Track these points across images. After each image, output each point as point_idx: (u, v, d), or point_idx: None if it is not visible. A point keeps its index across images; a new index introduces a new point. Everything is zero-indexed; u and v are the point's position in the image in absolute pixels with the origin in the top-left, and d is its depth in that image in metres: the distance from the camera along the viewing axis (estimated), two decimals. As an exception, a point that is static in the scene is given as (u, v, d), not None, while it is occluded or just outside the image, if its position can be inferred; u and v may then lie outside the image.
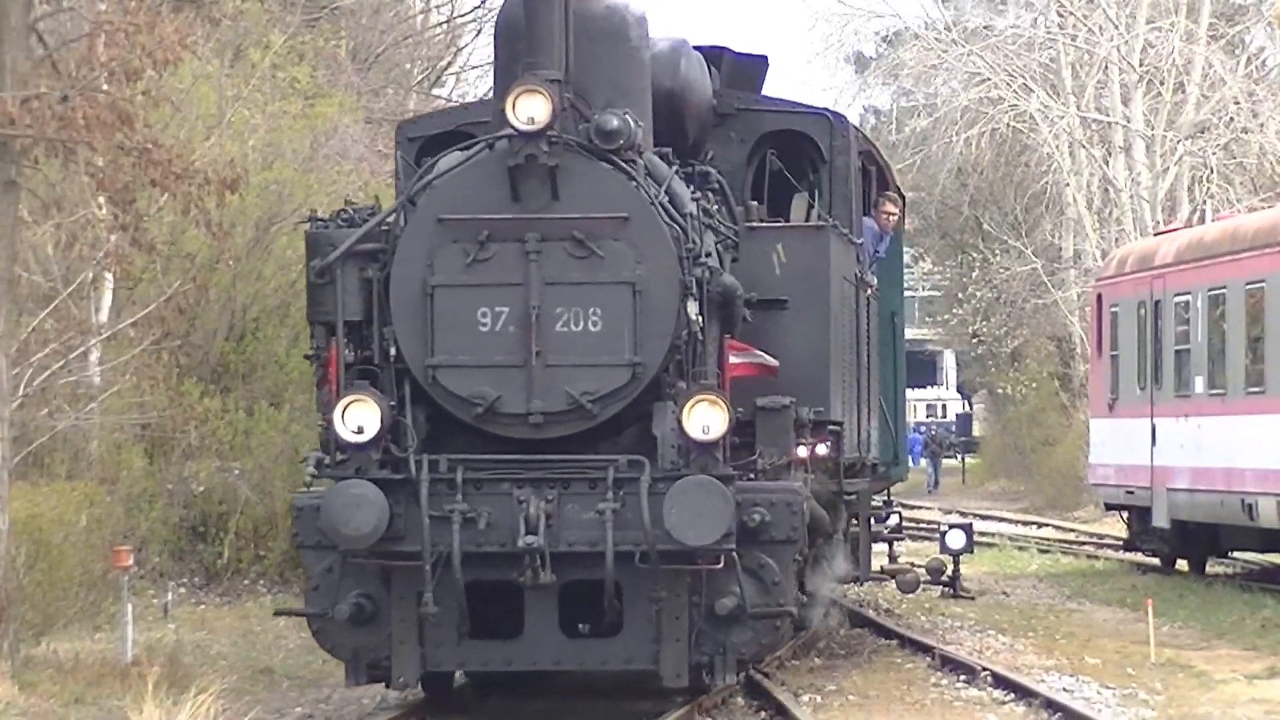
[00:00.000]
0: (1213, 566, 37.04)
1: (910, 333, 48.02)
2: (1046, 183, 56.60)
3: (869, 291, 24.77)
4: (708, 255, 17.87)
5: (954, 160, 57.18)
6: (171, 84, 29.32)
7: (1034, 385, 61.05)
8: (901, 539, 33.15)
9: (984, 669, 23.71)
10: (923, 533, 43.52)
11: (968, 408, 64.89)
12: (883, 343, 27.32)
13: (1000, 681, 22.85)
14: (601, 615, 17.63)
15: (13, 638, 21.11)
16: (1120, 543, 41.07)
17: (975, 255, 61.37)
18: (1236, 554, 36.24)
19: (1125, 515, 39.55)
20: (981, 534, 41.10)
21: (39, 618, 23.01)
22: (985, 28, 59.77)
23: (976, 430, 67.59)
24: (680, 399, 17.23)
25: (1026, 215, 59.05)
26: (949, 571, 33.61)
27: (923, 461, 56.86)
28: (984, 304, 60.85)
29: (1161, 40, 53.95)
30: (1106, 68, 55.21)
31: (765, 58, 25.88)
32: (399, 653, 17.29)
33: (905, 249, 39.49)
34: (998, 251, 59.69)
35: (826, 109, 24.00)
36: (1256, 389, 31.54)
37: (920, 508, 50.61)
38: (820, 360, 19.81)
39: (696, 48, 23.73)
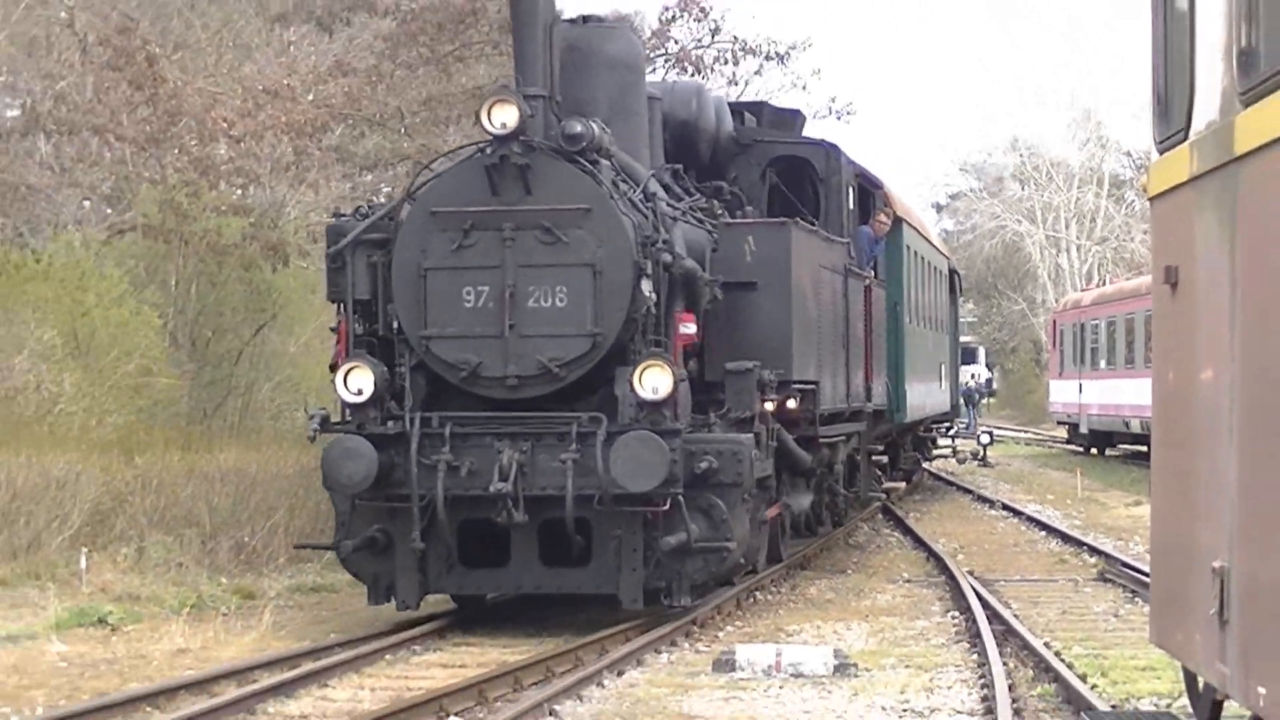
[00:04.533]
0: (1109, 453, 55.02)
1: (964, 339, 69.40)
2: (1030, 265, 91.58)
3: (867, 281, 26.57)
4: (665, 243, 18.28)
5: (985, 253, 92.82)
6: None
7: (1022, 364, 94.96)
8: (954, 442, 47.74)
9: (998, 500, 37.47)
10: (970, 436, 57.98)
11: (991, 375, 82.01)
12: (887, 323, 29.75)
13: (1005, 507, 35.87)
14: (581, 548, 18.14)
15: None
16: (1064, 440, 63.45)
17: (995, 301, 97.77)
18: (1121, 446, 53.33)
19: (1066, 427, 62.55)
20: (997, 436, 60.28)
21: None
22: (996, 181, 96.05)
23: (996, 386, 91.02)
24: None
25: (1020, 281, 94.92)
26: (982, 454, 52.40)
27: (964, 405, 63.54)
28: (998, 325, 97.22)
29: (1084, 198, 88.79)
30: (1058, 213, 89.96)
31: (798, 111, 29.74)
32: (401, 579, 18.08)
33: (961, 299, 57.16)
34: (1005, 298, 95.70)
35: (824, 140, 26.13)
36: (1128, 365, 48.56)
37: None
38: (783, 331, 20.18)
39: (743, 103, 28.88)
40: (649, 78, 24.25)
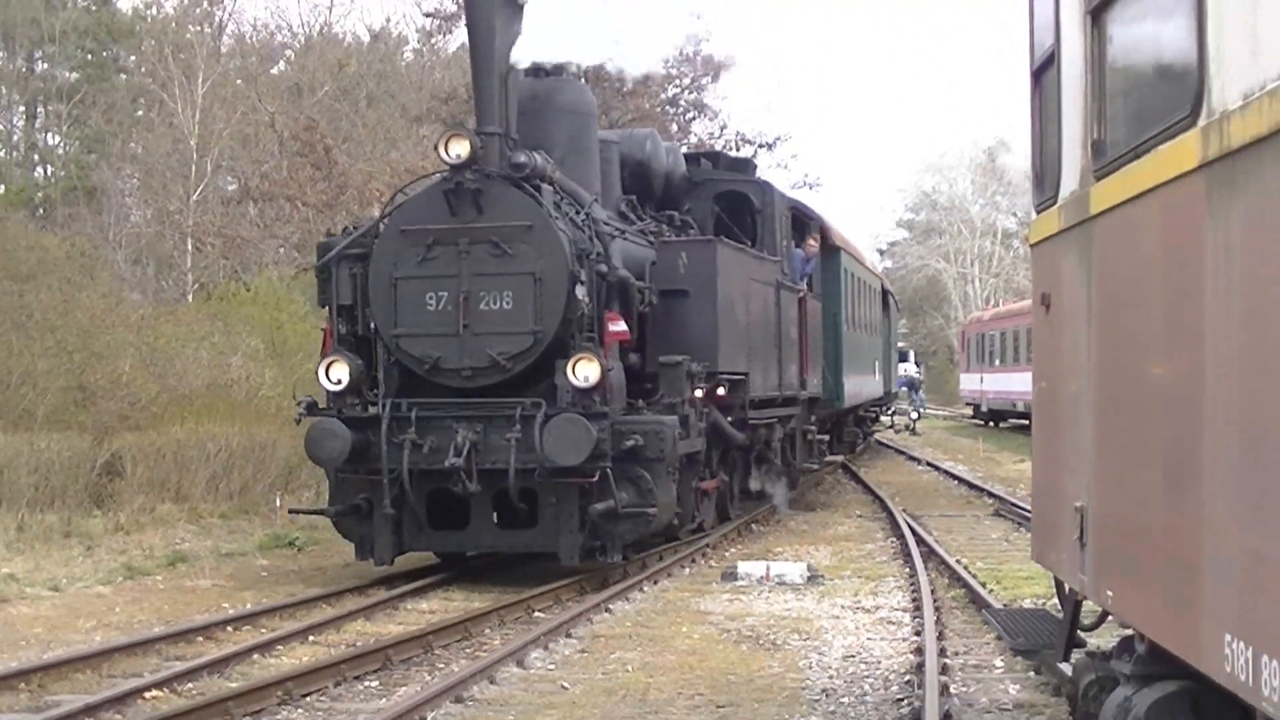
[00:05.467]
0: (1001, 425, 54.03)
1: (902, 344, 68.83)
2: (945, 293, 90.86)
3: (801, 293, 24.08)
4: (599, 255, 16.48)
5: (913, 284, 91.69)
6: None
7: (940, 362, 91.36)
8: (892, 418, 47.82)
9: (923, 459, 37.94)
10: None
11: (920, 370, 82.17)
12: (825, 328, 27.45)
13: (929, 464, 36.31)
14: (527, 514, 16.33)
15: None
16: (971, 416, 62.15)
17: (920, 317, 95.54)
18: (1010, 420, 52.29)
19: (972, 407, 61.14)
20: (923, 413, 61.63)
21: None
22: (923, 233, 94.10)
23: (923, 378, 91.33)
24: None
25: (939, 304, 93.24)
26: (912, 426, 53.70)
27: (903, 390, 62.23)
28: (923, 335, 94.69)
29: (984, 245, 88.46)
30: (966, 255, 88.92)
31: (749, 160, 29.35)
32: (378, 540, 16.30)
33: (899, 316, 58.45)
34: (929, 315, 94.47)
35: (759, 179, 23.98)
36: (1015, 363, 47.87)
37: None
38: (710, 330, 18.31)
39: (701, 153, 26.04)
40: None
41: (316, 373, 16.91)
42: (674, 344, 17.74)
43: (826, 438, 28.65)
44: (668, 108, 40.83)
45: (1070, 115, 7.07)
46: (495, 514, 16.57)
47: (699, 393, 17.67)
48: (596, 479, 15.72)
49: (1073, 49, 7.02)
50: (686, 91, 42.97)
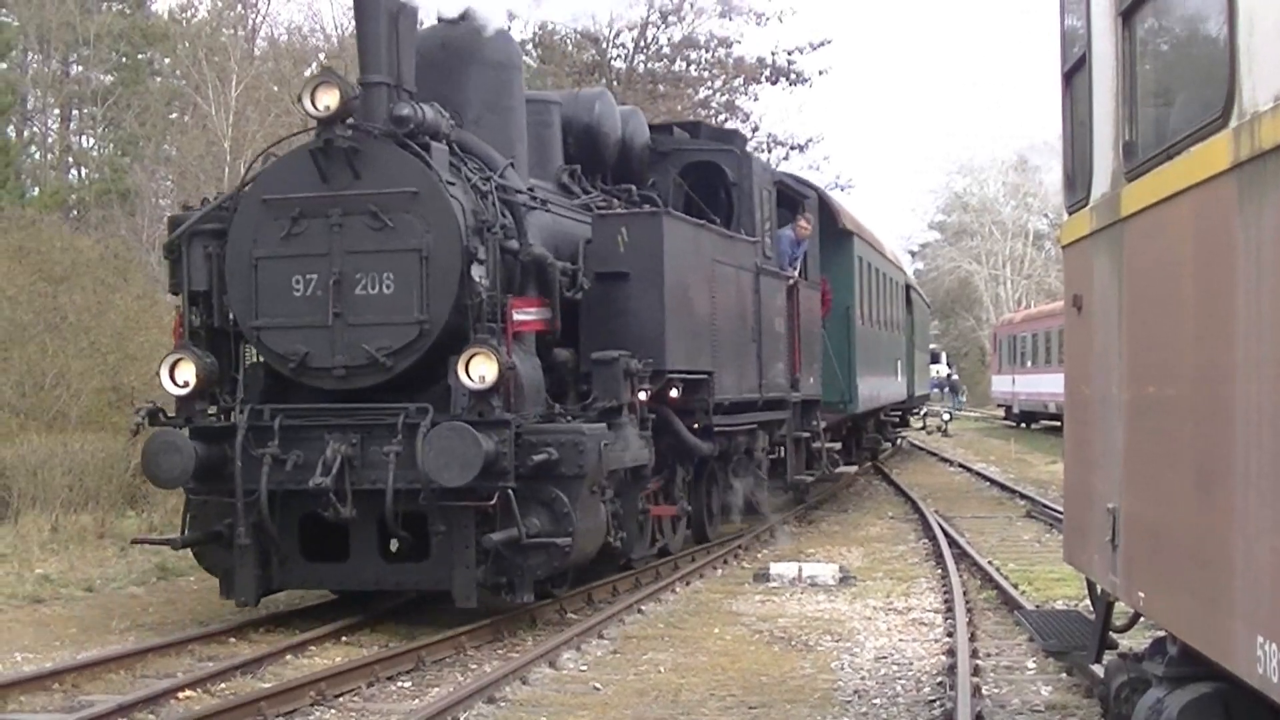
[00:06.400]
0: (1033, 427, 53.93)
1: (933, 346, 69.31)
2: (977, 295, 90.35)
3: (791, 280, 20.94)
4: (505, 228, 13.70)
5: (945, 286, 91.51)
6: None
7: (972, 364, 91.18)
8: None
9: (955, 460, 37.98)
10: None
11: (952, 370, 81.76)
12: (834, 323, 24.77)
13: (961, 465, 36.12)
14: (413, 545, 13.59)
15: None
16: (1002, 418, 61.74)
17: (952, 319, 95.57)
18: (1042, 421, 51.96)
19: (1004, 408, 61.19)
20: (954, 414, 62.70)
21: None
22: (954, 235, 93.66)
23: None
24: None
25: (970, 305, 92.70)
26: (944, 427, 53.61)
27: (935, 392, 61.38)
28: (955, 336, 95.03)
29: (1016, 246, 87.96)
30: (998, 257, 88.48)
31: (736, 132, 24.46)
32: (238, 574, 13.51)
33: (932, 318, 62.68)
34: (960, 317, 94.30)
35: (735, 148, 19.98)
36: (1047, 364, 47.64)
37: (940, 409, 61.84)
38: (655, 320, 15.22)
39: (677, 123, 21.98)
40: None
41: (159, 373, 14.02)
42: (614, 337, 14.99)
43: (837, 445, 24.99)
44: (699, 110, 40.81)
45: (1101, 117, 7.08)
46: (393, 542, 14.10)
47: (643, 395, 14.85)
48: (494, 502, 12.81)
49: (1104, 51, 7.03)
50: (717, 94, 42.95)
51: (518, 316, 13.51)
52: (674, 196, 18.75)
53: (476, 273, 13.23)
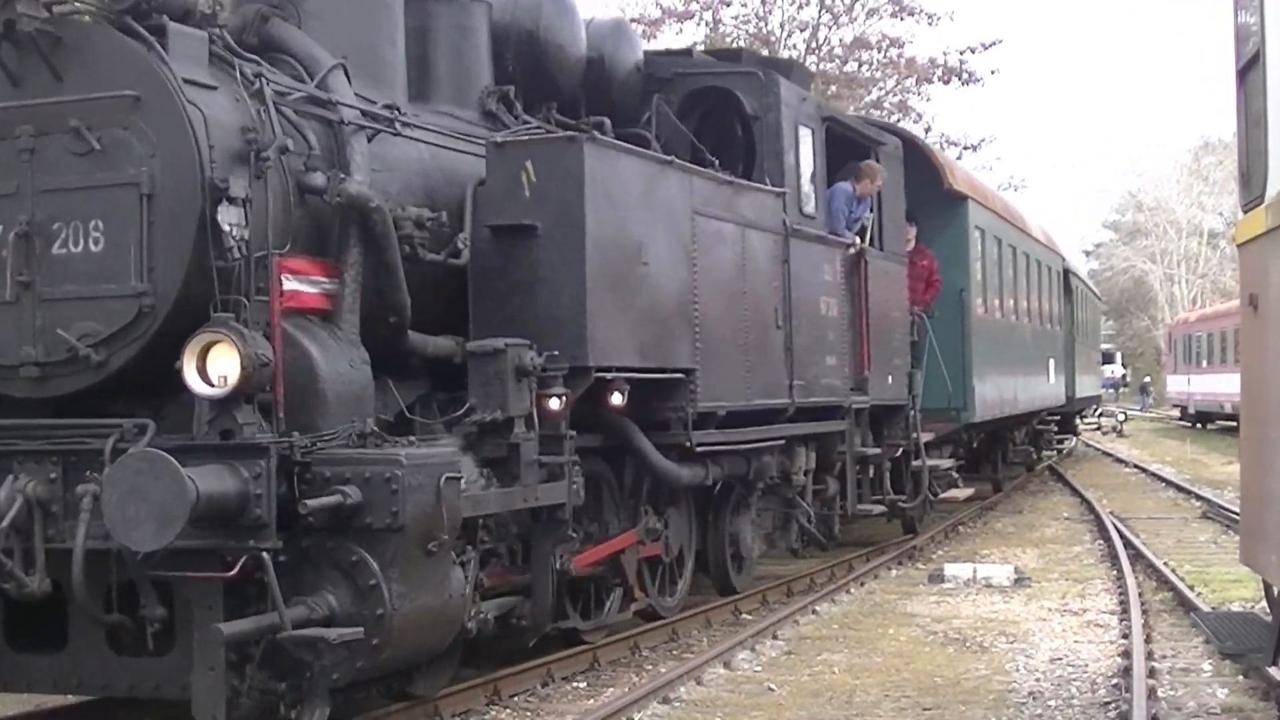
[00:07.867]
0: (1209, 427, 53.52)
1: (1104, 345, 67.47)
2: (1151, 294, 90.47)
3: (852, 248, 15.61)
4: (309, 157, 9.02)
5: (1119, 285, 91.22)
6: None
7: (1147, 364, 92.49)
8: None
9: (1130, 461, 37.64)
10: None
11: (1125, 371, 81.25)
12: (941, 309, 19.69)
13: (1136, 466, 35.92)
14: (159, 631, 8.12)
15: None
16: (1178, 418, 61.29)
17: (1127, 319, 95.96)
18: (1218, 422, 51.36)
19: (1179, 409, 60.97)
20: (1129, 416, 61.47)
21: None
22: (1129, 234, 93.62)
23: (1129, 379, 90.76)
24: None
25: (1144, 305, 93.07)
26: (1119, 428, 53.91)
27: (1108, 392, 62.03)
28: (1129, 336, 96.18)
29: (1190, 245, 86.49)
30: (1172, 256, 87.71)
31: (740, 50, 19.45)
32: None
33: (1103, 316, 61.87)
34: (1135, 317, 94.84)
35: (758, 69, 14.55)
36: (1223, 364, 47.31)
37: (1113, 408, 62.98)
38: (575, 297, 10.16)
39: (669, 51, 16.44)
40: None
41: None
42: (514, 317, 10.21)
43: (948, 463, 20.20)
44: (872, 110, 40.62)
45: (1276, 114, 7.01)
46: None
47: (555, 404, 9.99)
48: (236, 573, 7.77)
49: (1278, 48, 6.96)
50: (890, 94, 42.67)
51: (287, 286, 8.62)
52: (683, 140, 13.84)
53: (227, 218, 8.28)
